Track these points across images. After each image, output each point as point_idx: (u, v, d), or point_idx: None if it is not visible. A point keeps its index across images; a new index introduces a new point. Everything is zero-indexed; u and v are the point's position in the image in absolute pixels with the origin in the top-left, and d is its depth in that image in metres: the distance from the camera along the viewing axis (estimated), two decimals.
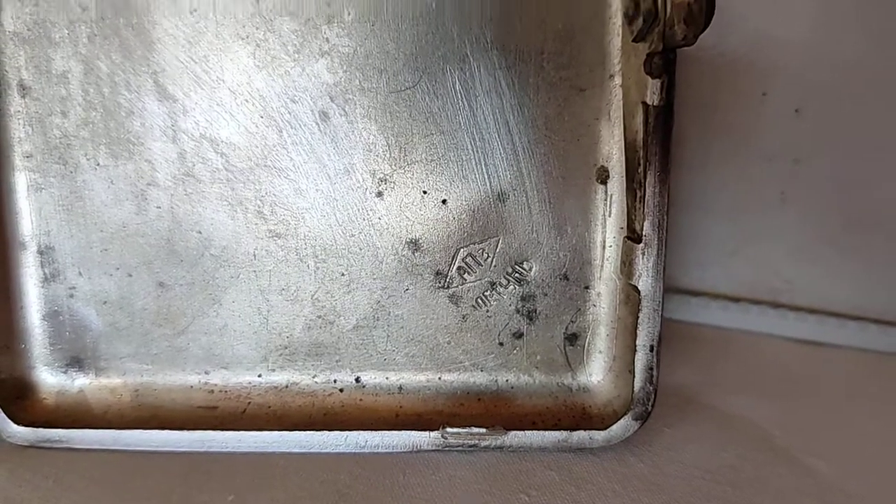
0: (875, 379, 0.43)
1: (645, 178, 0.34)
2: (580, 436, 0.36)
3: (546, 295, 0.38)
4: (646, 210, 0.35)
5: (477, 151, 0.37)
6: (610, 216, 0.37)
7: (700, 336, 0.47)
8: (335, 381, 0.38)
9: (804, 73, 0.42)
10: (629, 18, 0.33)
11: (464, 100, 0.36)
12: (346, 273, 0.38)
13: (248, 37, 0.36)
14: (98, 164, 0.37)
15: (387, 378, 0.38)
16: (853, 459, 0.36)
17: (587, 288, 0.38)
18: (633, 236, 0.36)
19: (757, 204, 0.45)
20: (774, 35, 0.41)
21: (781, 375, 0.43)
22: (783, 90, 0.43)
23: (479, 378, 0.38)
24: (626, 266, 0.36)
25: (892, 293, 0.45)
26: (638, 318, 0.36)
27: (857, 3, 0.40)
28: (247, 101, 0.36)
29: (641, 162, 0.34)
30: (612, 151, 0.37)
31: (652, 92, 0.33)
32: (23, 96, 0.36)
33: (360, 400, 0.38)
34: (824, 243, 0.44)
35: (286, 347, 0.38)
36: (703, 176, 0.45)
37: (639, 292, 0.35)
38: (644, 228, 0.35)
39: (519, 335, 0.39)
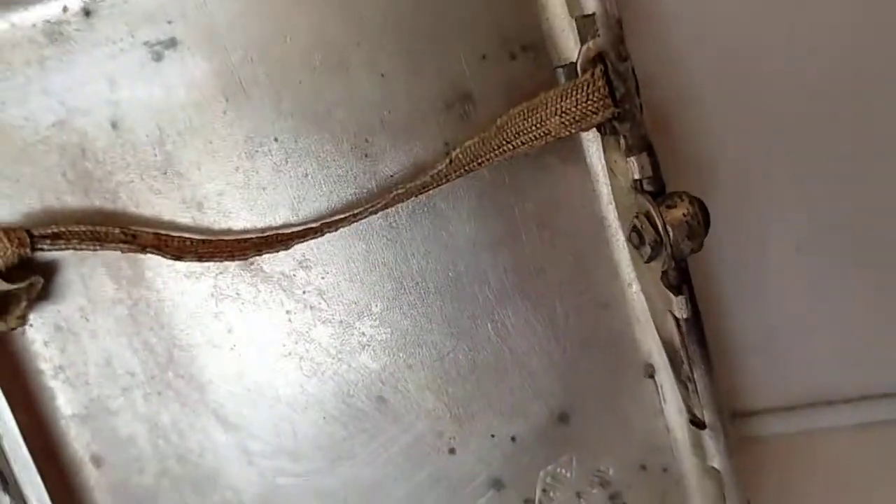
0: None
1: (692, 376, 0.36)
2: None
3: (630, 487, 0.40)
4: (702, 401, 0.37)
5: (526, 384, 0.39)
6: (665, 403, 0.39)
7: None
8: None
9: None
10: (636, 246, 0.36)
11: (503, 345, 0.38)
12: None
13: (290, 353, 0.38)
14: None
15: None
16: None
17: (665, 470, 0.40)
18: (696, 420, 0.38)
19: None
20: None
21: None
22: None
23: None
24: (698, 448, 0.38)
25: None
26: (723, 492, 0.38)
27: None
28: (305, 408, 0.38)
29: (686, 362, 0.36)
30: (651, 348, 0.39)
31: (679, 307, 0.35)
32: (98, 467, 0.38)
33: None
34: None
35: None
36: None
37: (718, 471, 0.37)
38: (705, 417, 0.37)
39: None
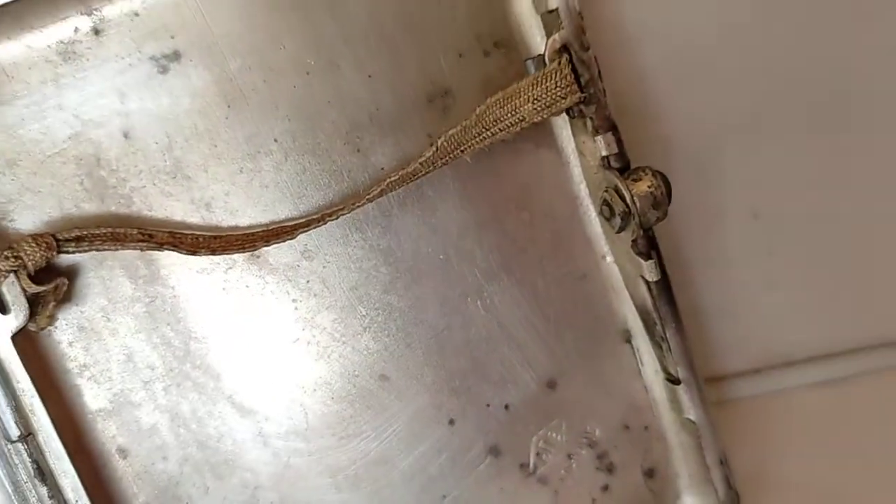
0: None
1: (665, 335, 0.40)
2: None
3: (616, 446, 0.44)
4: (675, 358, 0.41)
5: (515, 356, 0.42)
6: (642, 365, 0.43)
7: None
8: None
9: None
10: (607, 218, 0.39)
11: (492, 320, 0.42)
12: (446, 496, 0.43)
13: (297, 339, 0.41)
14: (208, 489, 0.41)
15: None
16: None
17: (646, 428, 0.44)
18: (671, 377, 0.42)
19: None
20: None
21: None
22: None
23: None
24: (675, 403, 0.42)
25: None
26: (700, 443, 0.41)
27: None
28: (314, 390, 0.41)
29: (658, 323, 0.40)
30: (627, 314, 0.43)
31: (649, 271, 0.39)
32: (124, 458, 0.41)
33: None
34: None
35: None
36: None
37: (694, 422, 0.41)
38: (679, 373, 0.41)
39: (606, 487, 0.44)
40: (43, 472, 0.37)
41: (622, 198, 0.38)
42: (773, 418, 0.52)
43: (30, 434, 0.37)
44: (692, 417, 0.41)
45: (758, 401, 0.52)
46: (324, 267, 0.40)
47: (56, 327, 0.39)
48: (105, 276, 0.39)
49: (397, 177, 0.37)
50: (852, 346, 0.51)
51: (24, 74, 0.37)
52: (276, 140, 0.39)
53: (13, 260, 0.35)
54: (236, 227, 0.39)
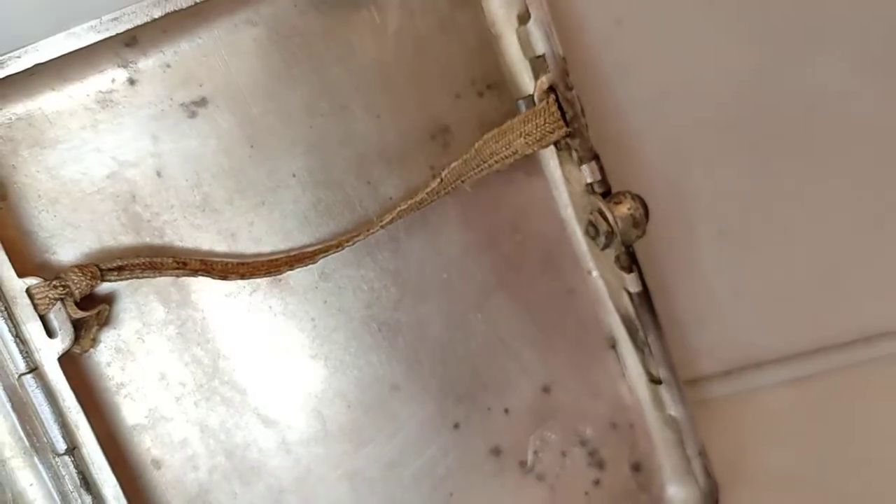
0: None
1: (647, 340, 0.45)
2: None
3: (605, 444, 0.48)
4: (657, 360, 0.45)
5: (513, 364, 0.47)
6: (626, 368, 0.48)
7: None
8: None
9: None
10: (592, 237, 0.44)
11: (491, 333, 0.46)
12: (453, 493, 0.47)
13: (316, 354, 0.45)
14: (236, 495, 0.45)
15: None
16: None
17: (632, 426, 0.48)
18: (653, 378, 0.47)
19: None
20: None
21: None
22: None
23: None
24: (658, 402, 0.47)
25: None
26: (681, 437, 0.46)
27: None
28: (332, 400, 0.45)
29: (640, 329, 0.45)
30: (611, 323, 0.47)
31: (631, 283, 0.44)
32: (158, 469, 0.44)
33: None
34: None
35: None
36: None
37: (675, 418, 0.46)
38: (661, 374, 0.45)
39: (597, 482, 0.48)
40: (88, 483, 0.41)
41: (605, 219, 0.43)
42: (744, 415, 0.56)
43: (75, 447, 0.40)
44: (673, 413, 0.46)
45: (729, 400, 0.57)
46: (339, 288, 0.44)
47: (96, 349, 0.42)
48: (140, 301, 0.43)
49: (406, 205, 0.42)
50: (814, 348, 0.56)
51: (66, 121, 0.41)
52: (294, 175, 0.43)
53: (61, 288, 0.39)
54: (259, 254, 0.43)
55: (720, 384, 0.56)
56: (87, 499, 0.41)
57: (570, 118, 0.42)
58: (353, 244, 0.42)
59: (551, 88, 0.42)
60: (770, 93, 0.50)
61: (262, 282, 0.44)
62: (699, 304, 0.54)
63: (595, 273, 0.47)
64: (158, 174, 0.42)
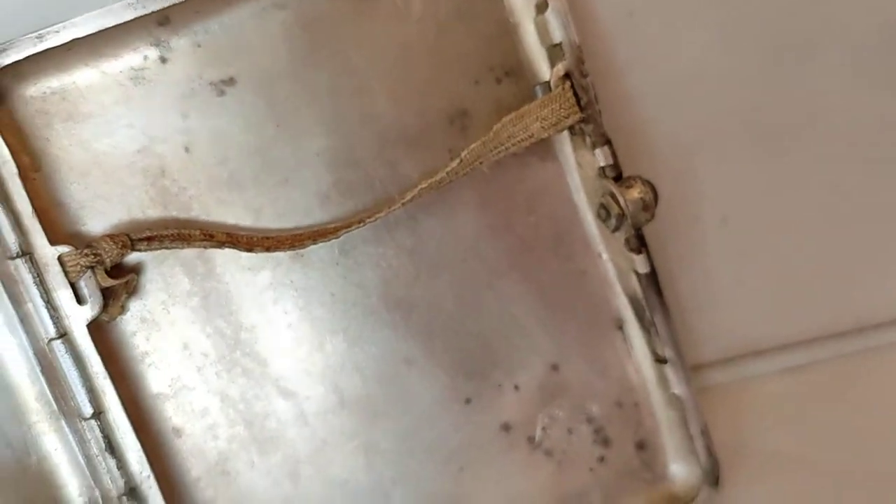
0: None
1: (654, 320, 0.47)
2: None
3: (610, 422, 0.50)
4: (662, 340, 0.47)
5: (524, 342, 0.48)
6: (633, 349, 0.49)
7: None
8: None
9: None
10: (603, 220, 0.46)
11: (503, 311, 0.48)
12: (464, 468, 0.48)
13: (335, 328, 0.46)
14: (254, 463, 0.46)
15: None
16: None
17: (637, 405, 0.50)
18: (659, 358, 0.48)
19: None
20: None
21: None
22: None
23: (591, 499, 0.49)
24: (662, 381, 0.48)
25: None
26: (685, 416, 0.48)
27: None
28: (350, 374, 0.47)
29: (647, 310, 0.47)
30: (619, 305, 0.49)
31: (640, 264, 0.45)
32: (178, 437, 0.46)
33: None
34: None
35: None
36: None
37: (679, 397, 0.48)
38: (666, 353, 0.47)
39: (602, 458, 0.50)
40: (112, 447, 0.42)
41: (617, 202, 0.44)
42: (744, 402, 0.58)
43: (101, 412, 0.42)
44: (677, 392, 0.48)
45: (730, 387, 0.58)
46: (359, 264, 0.46)
47: (122, 318, 0.44)
48: (166, 273, 0.44)
49: (427, 184, 0.43)
50: (814, 336, 0.58)
51: (99, 96, 0.43)
52: (317, 154, 0.45)
53: (92, 256, 0.40)
54: (283, 230, 0.45)
55: (721, 371, 0.58)
56: (112, 462, 0.42)
57: (585, 104, 0.44)
58: (375, 220, 0.44)
59: (567, 75, 0.44)
60: (777, 84, 0.52)
61: (284, 257, 0.45)
62: (701, 291, 0.55)
63: (605, 256, 0.49)
64: (187, 150, 0.43)
